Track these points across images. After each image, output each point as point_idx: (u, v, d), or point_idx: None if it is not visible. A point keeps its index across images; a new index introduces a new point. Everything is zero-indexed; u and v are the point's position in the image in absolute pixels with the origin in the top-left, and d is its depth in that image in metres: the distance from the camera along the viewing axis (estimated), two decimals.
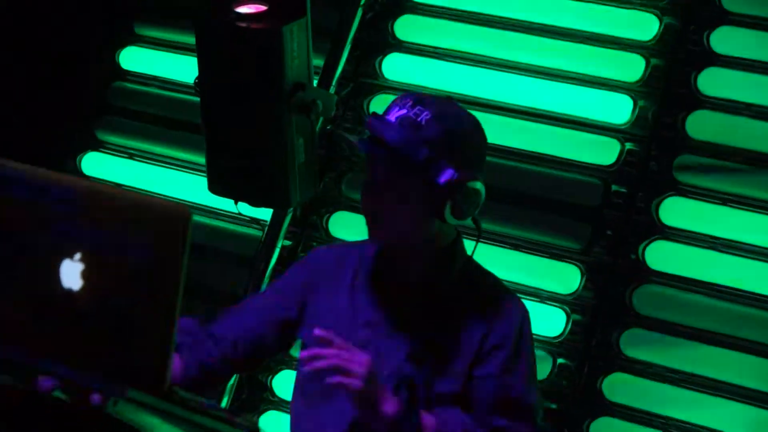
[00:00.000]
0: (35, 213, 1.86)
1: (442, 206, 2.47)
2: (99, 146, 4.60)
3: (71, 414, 1.82)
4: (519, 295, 2.67)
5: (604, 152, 3.98)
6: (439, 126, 2.46)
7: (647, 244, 3.85)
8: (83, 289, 1.83)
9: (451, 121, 2.49)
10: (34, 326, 1.86)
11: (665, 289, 3.82)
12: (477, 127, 2.54)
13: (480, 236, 2.57)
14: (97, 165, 4.57)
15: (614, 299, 3.83)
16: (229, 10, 3.35)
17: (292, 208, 3.87)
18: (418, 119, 2.46)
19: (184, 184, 4.40)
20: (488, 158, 2.60)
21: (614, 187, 3.92)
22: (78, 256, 1.84)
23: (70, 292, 1.84)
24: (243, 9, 3.31)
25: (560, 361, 3.81)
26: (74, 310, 1.84)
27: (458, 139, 2.48)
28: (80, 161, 4.59)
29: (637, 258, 3.84)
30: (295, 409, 2.66)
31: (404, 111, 2.47)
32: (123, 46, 4.66)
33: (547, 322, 3.87)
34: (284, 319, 2.65)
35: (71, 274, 1.84)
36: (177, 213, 1.78)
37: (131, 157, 4.51)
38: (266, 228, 3.90)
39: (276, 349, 2.70)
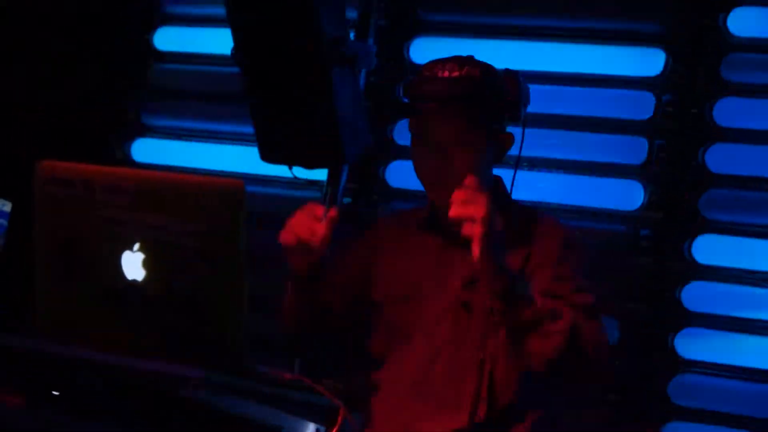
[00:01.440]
0: (89, 210, 1.84)
1: (504, 150, 2.73)
2: (146, 131, 4.57)
3: (156, 403, 1.80)
4: None
5: None
6: (491, 80, 2.67)
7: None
8: (147, 278, 1.82)
9: (495, 74, 2.70)
10: (102, 320, 1.84)
11: None
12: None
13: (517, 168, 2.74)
14: (147, 150, 4.54)
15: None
16: None
17: (347, 165, 3.82)
18: (473, 75, 2.64)
19: (236, 157, 4.34)
20: None
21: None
22: (137, 246, 1.82)
23: (134, 283, 1.82)
24: None
25: None
26: (141, 301, 1.82)
27: (503, 88, 2.69)
28: (130, 149, 4.57)
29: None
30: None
31: (456, 71, 2.65)
32: (155, 27, 4.63)
33: None
34: (357, 290, 2.85)
35: (133, 265, 1.83)
36: (230, 188, 1.77)
37: (179, 137, 4.47)
38: (325, 188, 3.87)
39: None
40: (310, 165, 3.67)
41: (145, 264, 1.81)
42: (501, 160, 2.77)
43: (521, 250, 2.64)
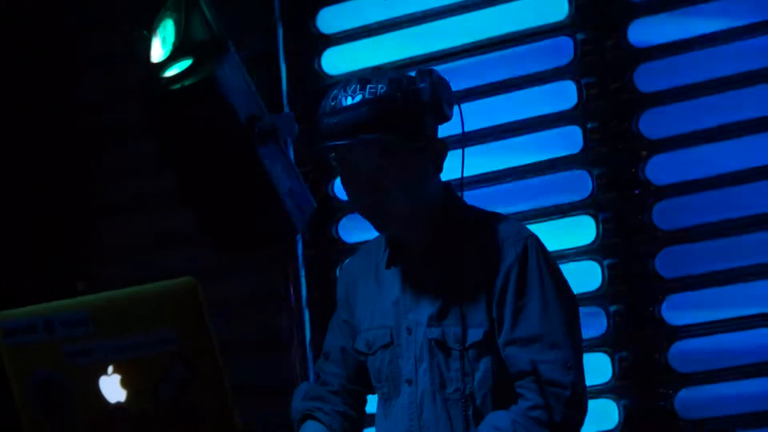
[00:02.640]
0: (55, 348, 1.85)
1: (438, 159, 2.52)
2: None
3: None
4: None
5: None
6: (401, 91, 2.45)
7: None
8: (129, 397, 1.82)
9: (402, 81, 2.48)
10: None
11: None
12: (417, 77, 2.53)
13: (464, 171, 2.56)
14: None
15: None
16: (158, 79, 3.33)
17: (299, 234, 3.85)
18: (380, 93, 2.43)
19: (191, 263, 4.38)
20: None
21: None
22: (111, 369, 1.83)
23: (118, 405, 1.83)
24: (169, 72, 3.29)
25: None
26: (130, 421, 1.82)
27: (419, 95, 2.46)
28: None
29: None
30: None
31: (359, 94, 2.43)
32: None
33: None
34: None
35: (112, 388, 1.83)
36: (181, 286, 1.77)
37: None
38: (285, 261, 3.89)
39: None
40: (265, 243, 3.70)
41: (124, 384, 1.82)
42: (440, 169, 2.55)
43: (484, 263, 2.50)
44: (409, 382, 2.53)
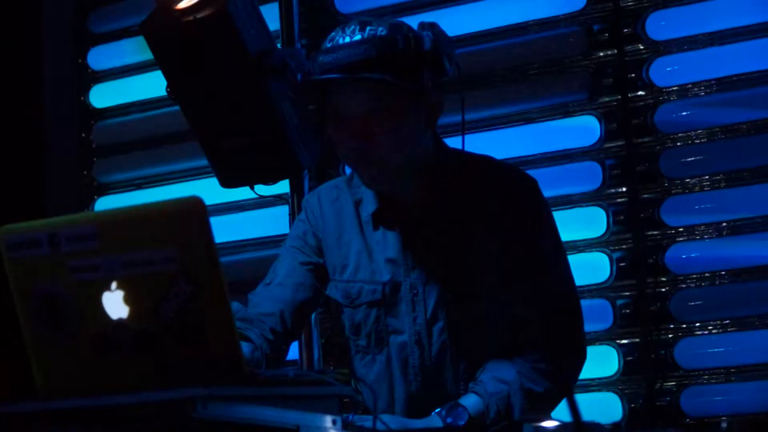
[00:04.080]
0: (59, 263, 1.85)
1: (434, 114, 2.45)
2: (105, 190, 4.59)
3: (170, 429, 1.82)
4: None
5: None
6: (401, 35, 2.37)
7: None
8: (132, 314, 1.83)
9: (404, 27, 2.42)
10: (100, 366, 1.85)
11: None
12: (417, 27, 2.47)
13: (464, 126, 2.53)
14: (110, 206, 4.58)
15: None
16: (171, 10, 3.32)
17: (306, 171, 3.84)
18: (379, 35, 2.37)
19: (198, 192, 4.37)
20: None
21: None
22: (114, 285, 1.83)
23: (121, 321, 1.83)
24: (182, 4, 3.29)
25: None
26: (132, 337, 1.83)
27: (420, 42, 2.39)
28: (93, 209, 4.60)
29: None
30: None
31: (359, 35, 2.37)
32: (88, 87, 4.64)
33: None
34: (312, 274, 2.63)
35: (115, 304, 1.84)
36: (189, 204, 1.77)
37: (140, 187, 4.50)
38: (291, 199, 3.87)
39: (317, 303, 2.70)
40: (270, 180, 3.70)
41: (127, 300, 1.82)
42: (433, 126, 2.50)
43: (482, 209, 2.49)
44: (406, 338, 2.52)
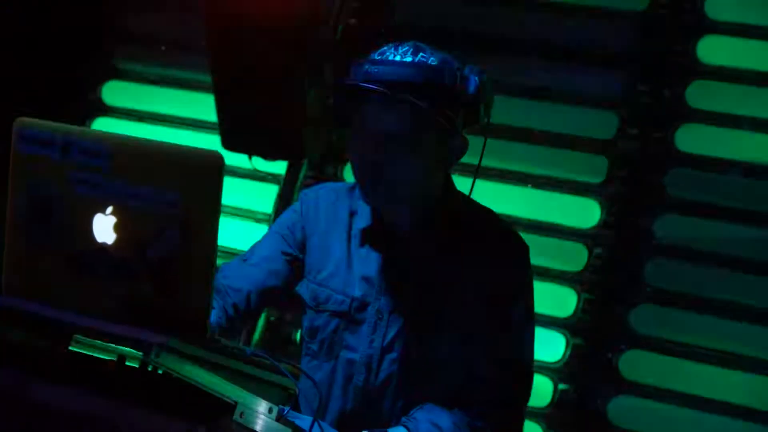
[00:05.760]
0: (64, 169, 1.84)
1: (456, 155, 2.43)
2: (107, 111, 4.58)
3: (112, 368, 1.81)
4: None
5: None
6: (449, 71, 2.36)
7: None
8: (117, 242, 1.82)
9: (454, 64, 2.39)
10: (70, 282, 1.85)
11: None
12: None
13: (478, 171, 2.48)
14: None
15: None
16: None
17: (306, 161, 3.84)
18: (429, 63, 2.35)
19: (194, 142, 4.36)
20: None
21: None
22: (110, 210, 1.82)
23: (104, 246, 1.83)
24: None
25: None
26: (109, 264, 1.82)
27: (465, 84, 2.38)
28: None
29: None
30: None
31: (410, 57, 2.35)
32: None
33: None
34: (289, 266, 2.60)
35: (104, 228, 1.83)
36: (210, 158, 1.77)
37: (141, 119, 4.48)
38: (282, 182, 3.88)
39: (284, 295, 2.67)
40: (270, 156, 3.70)
41: (117, 228, 1.81)
42: (451, 165, 2.47)
43: (467, 264, 2.47)
44: (357, 357, 2.52)
